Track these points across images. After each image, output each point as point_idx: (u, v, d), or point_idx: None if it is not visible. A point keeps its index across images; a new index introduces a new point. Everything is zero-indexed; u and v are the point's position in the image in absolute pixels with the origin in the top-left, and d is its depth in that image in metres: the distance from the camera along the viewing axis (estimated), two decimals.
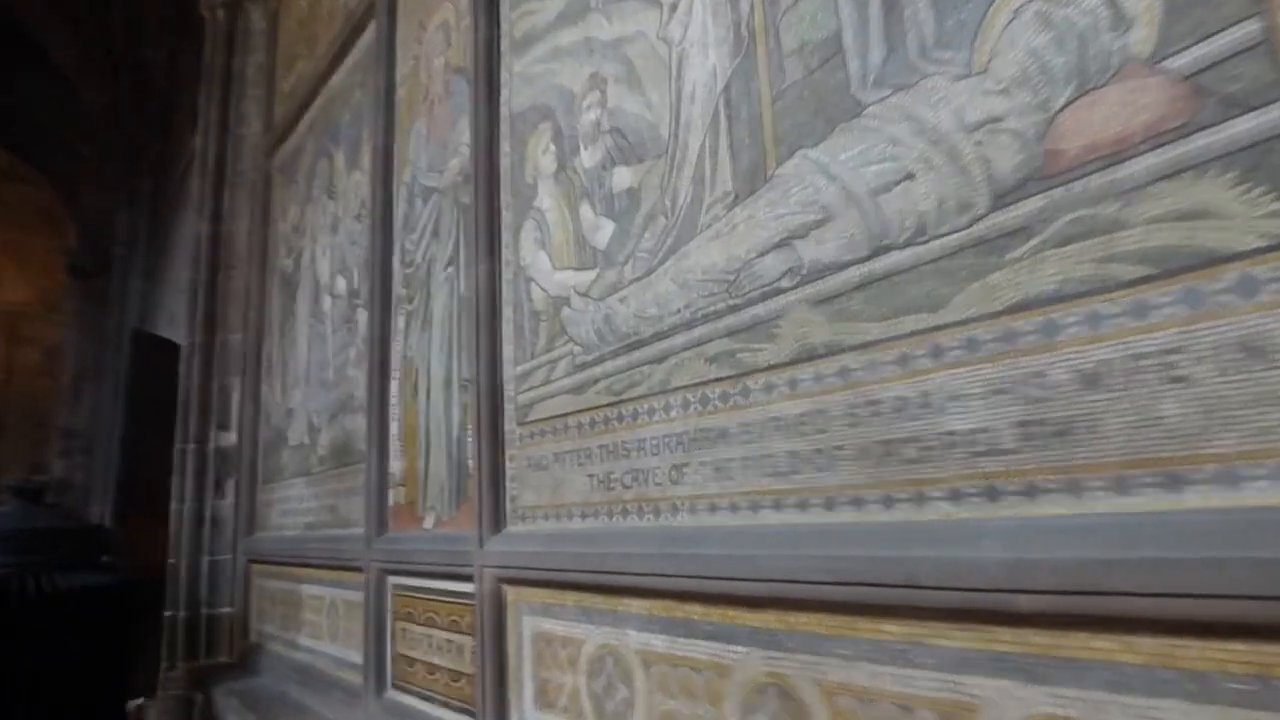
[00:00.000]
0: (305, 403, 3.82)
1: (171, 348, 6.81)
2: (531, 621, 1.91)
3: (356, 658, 2.95)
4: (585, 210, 1.84)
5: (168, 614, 4.35)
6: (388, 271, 2.97)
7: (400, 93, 3.03)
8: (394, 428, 2.83)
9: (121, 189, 9.74)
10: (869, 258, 1.18)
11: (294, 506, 3.83)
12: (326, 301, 3.68)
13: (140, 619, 3.68)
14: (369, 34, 3.41)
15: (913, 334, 1.11)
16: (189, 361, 4.68)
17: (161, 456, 5.90)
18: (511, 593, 1.98)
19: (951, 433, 1.05)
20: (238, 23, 5.11)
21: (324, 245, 3.77)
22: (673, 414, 1.52)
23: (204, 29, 5.28)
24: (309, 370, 3.83)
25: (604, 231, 1.77)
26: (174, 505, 4.53)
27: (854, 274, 1.20)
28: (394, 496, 2.79)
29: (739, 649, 1.33)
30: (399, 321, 2.85)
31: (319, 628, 3.40)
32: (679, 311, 1.53)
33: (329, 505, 3.39)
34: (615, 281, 1.71)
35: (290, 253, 4.30)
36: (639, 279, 1.64)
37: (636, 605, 1.58)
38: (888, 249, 1.16)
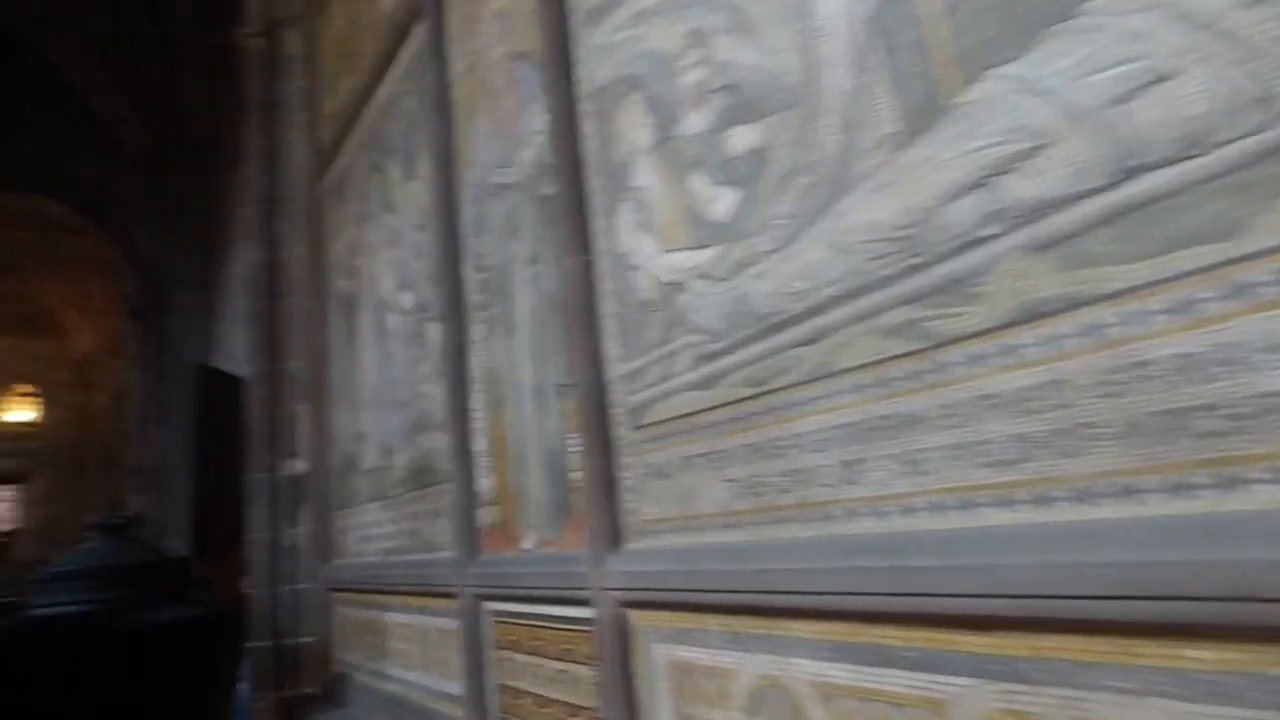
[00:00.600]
0: (376, 425, 3.68)
1: (233, 381, 6.81)
2: (664, 650, 1.70)
3: (453, 688, 2.78)
4: (697, 182, 1.63)
5: (257, 644, 4.27)
6: (459, 279, 2.80)
7: (457, 92, 2.86)
8: (479, 443, 2.65)
9: (171, 231, 9.89)
10: (1112, 185, 0.94)
11: (372, 532, 3.69)
12: (391, 319, 3.54)
13: (227, 650, 3.57)
14: (416, 38, 3.26)
15: (1195, 272, 0.87)
16: (256, 390, 4.61)
17: (232, 487, 5.87)
18: (637, 617, 1.77)
19: (1271, 394, 0.80)
20: (276, 50, 5.04)
21: (384, 262, 3.63)
22: (840, 401, 1.30)
23: (241, 63, 5.24)
24: (377, 391, 3.69)
25: (724, 202, 1.55)
26: (252, 535, 4.45)
27: (1092, 207, 0.96)
28: (484, 517, 2.61)
29: (958, 681, 1.10)
30: (477, 330, 2.68)
31: (409, 657, 3.24)
32: (837, 281, 1.30)
33: (410, 529, 3.24)
34: (746, 256, 1.50)
35: (348, 274, 4.18)
36: (778, 250, 1.42)
37: (805, 629, 1.35)
38: (1141, 170, 0.92)
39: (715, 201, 1.58)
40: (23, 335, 14.89)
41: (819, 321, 1.34)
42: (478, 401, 2.67)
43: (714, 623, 1.55)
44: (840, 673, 1.30)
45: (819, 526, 1.35)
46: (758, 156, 1.48)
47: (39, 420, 15.26)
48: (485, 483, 2.60)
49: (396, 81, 3.45)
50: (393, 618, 3.41)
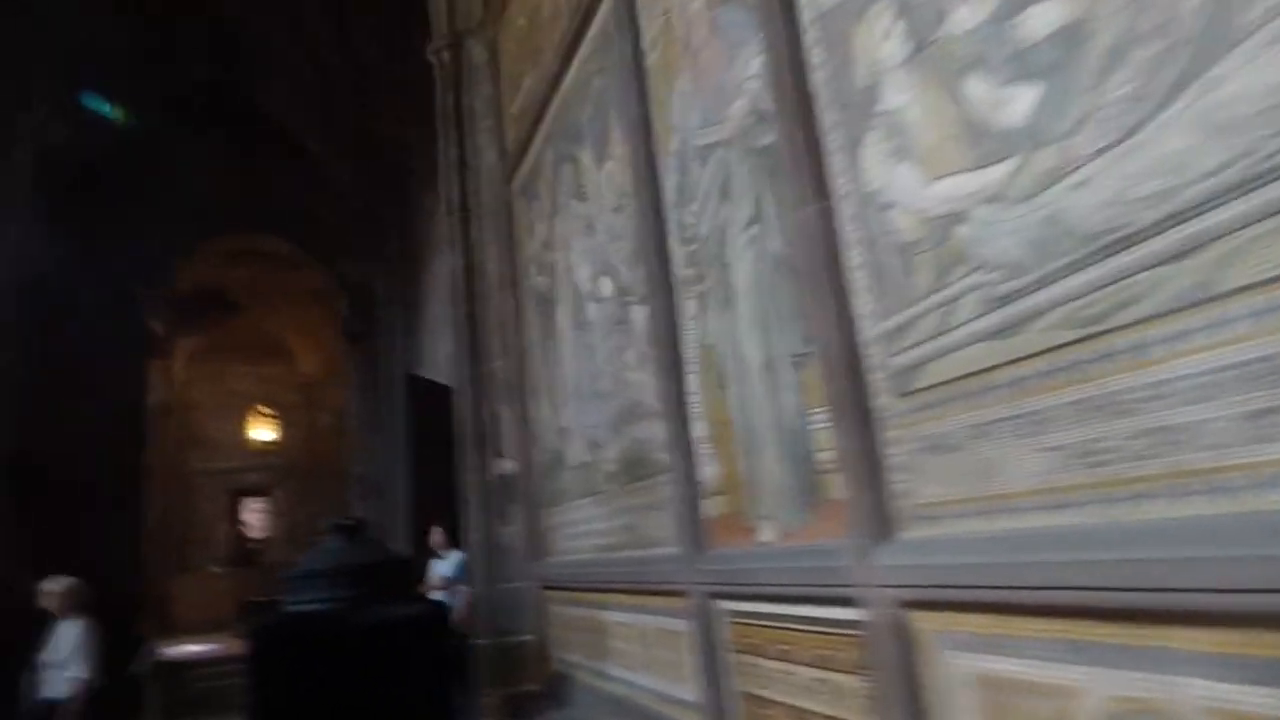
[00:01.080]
0: (578, 419, 3.63)
1: (441, 389, 7.19)
2: (965, 660, 1.40)
3: (683, 693, 2.61)
4: (977, 86, 1.33)
5: (479, 642, 4.38)
6: (664, 255, 2.64)
7: (651, 58, 2.71)
8: (698, 429, 2.47)
9: (375, 256, 10.73)
10: None
11: (583, 529, 3.64)
12: (590, 309, 3.47)
13: (456, 645, 3.66)
14: (600, 15, 3.17)
15: None
16: (462, 394, 4.75)
17: (445, 491, 6.15)
18: (923, 620, 1.49)
19: None
20: (461, 62, 5.20)
21: (580, 252, 3.57)
22: (1230, 333, 0.96)
23: (429, 80, 5.46)
24: (578, 385, 3.64)
25: (1019, 103, 1.24)
26: (471, 535, 4.59)
27: None
28: (709, 508, 2.42)
29: None
30: (688, 308, 2.50)
31: (631, 658, 3.13)
32: (1218, 171, 0.96)
33: (625, 525, 3.13)
34: (1057, 165, 1.18)
35: (542, 270, 4.19)
36: (1111, 146, 1.10)
37: (1190, 638, 1.02)
38: None
39: (1005, 105, 1.27)
40: (259, 363, 16.92)
41: (1190, 229, 1.01)
42: (694, 384, 2.49)
43: (1039, 628, 1.24)
44: (1256, 700, 0.96)
45: (1204, 502, 1.01)
46: (1068, 36, 1.16)
47: (277, 439, 17.23)
48: (709, 471, 2.41)
49: (582, 64, 3.37)
50: (611, 617, 3.32)
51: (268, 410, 16.64)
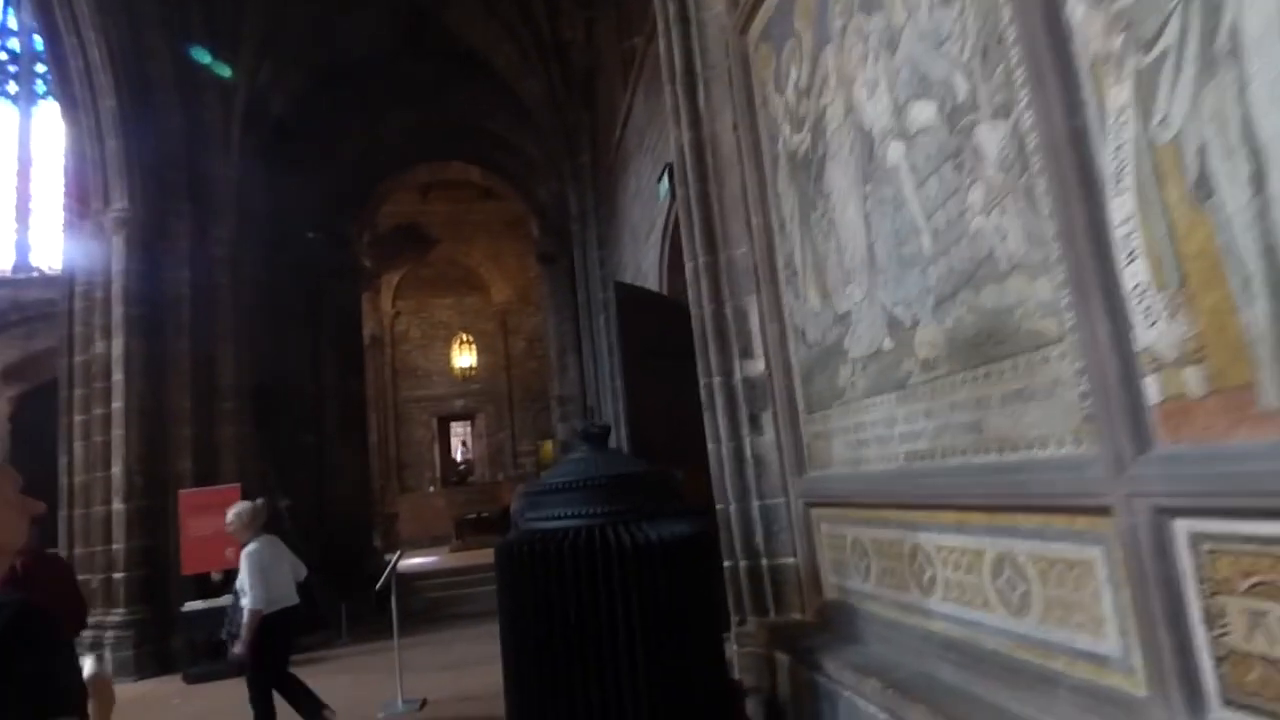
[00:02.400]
0: (872, 298, 2.90)
1: (650, 295, 6.71)
2: None
3: (1089, 643, 1.89)
4: None
5: (727, 564, 3.90)
6: (1057, 27, 1.81)
7: None
8: (1136, 272, 1.66)
9: (565, 172, 10.39)
10: None
11: (875, 434, 2.95)
12: (892, 151, 2.68)
13: (716, 570, 3.16)
14: None
15: None
16: (696, 287, 4.16)
17: (663, 402, 5.67)
18: None
19: None
20: None
21: (871, 81, 2.77)
22: None
23: None
24: (870, 255, 2.89)
25: None
26: (710, 446, 4.06)
27: None
28: (1158, 387, 1.63)
29: None
30: (1114, 96, 1.67)
31: (967, 590, 2.43)
32: None
33: (964, 424, 2.39)
34: None
35: (799, 126, 3.43)
36: None
37: None
38: None
39: None
40: (459, 294, 17.59)
41: None
42: (1128, 207, 1.67)
43: None
44: None
45: None
46: None
47: (476, 365, 17.96)
48: (1163, 331, 1.61)
49: None
50: (927, 539, 2.63)
51: (468, 337, 17.31)
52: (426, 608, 9.58)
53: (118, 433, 7.33)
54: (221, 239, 8.82)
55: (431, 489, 17.72)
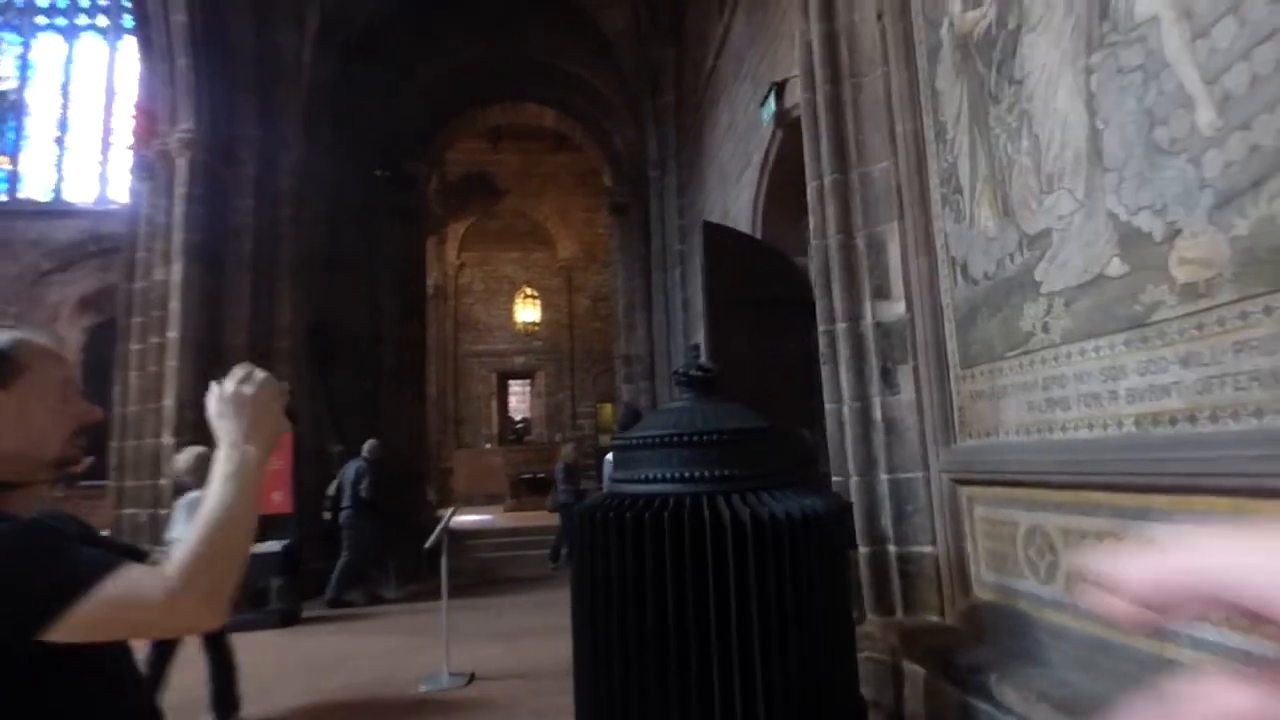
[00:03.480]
0: (1094, 205, 2.14)
1: (745, 240, 6.00)
2: None
3: None
4: None
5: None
6: None
7: None
8: None
9: (645, 114, 9.64)
10: None
11: (1085, 391, 2.21)
12: (1141, 5, 1.92)
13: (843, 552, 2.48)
14: None
15: None
16: (819, 213, 3.43)
17: (749, 355, 4.99)
18: None
19: None
20: None
21: None
22: None
23: None
24: (1096, 147, 2.13)
25: None
26: (829, 406, 3.36)
27: None
28: None
29: None
30: None
31: None
32: None
33: (1263, 372, 1.65)
34: None
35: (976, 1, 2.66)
36: None
37: None
38: None
39: None
40: (525, 248, 17.09)
41: None
42: None
43: None
44: None
45: None
46: None
47: (539, 320, 17.48)
48: None
49: None
50: (1181, 535, 1.90)
51: (532, 292, 16.82)
52: (479, 568, 9.19)
53: (171, 364, 7.03)
54: (288, 169, 8.41)
55: (488, 446, 17.41)
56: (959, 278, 2.86)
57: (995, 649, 2.56)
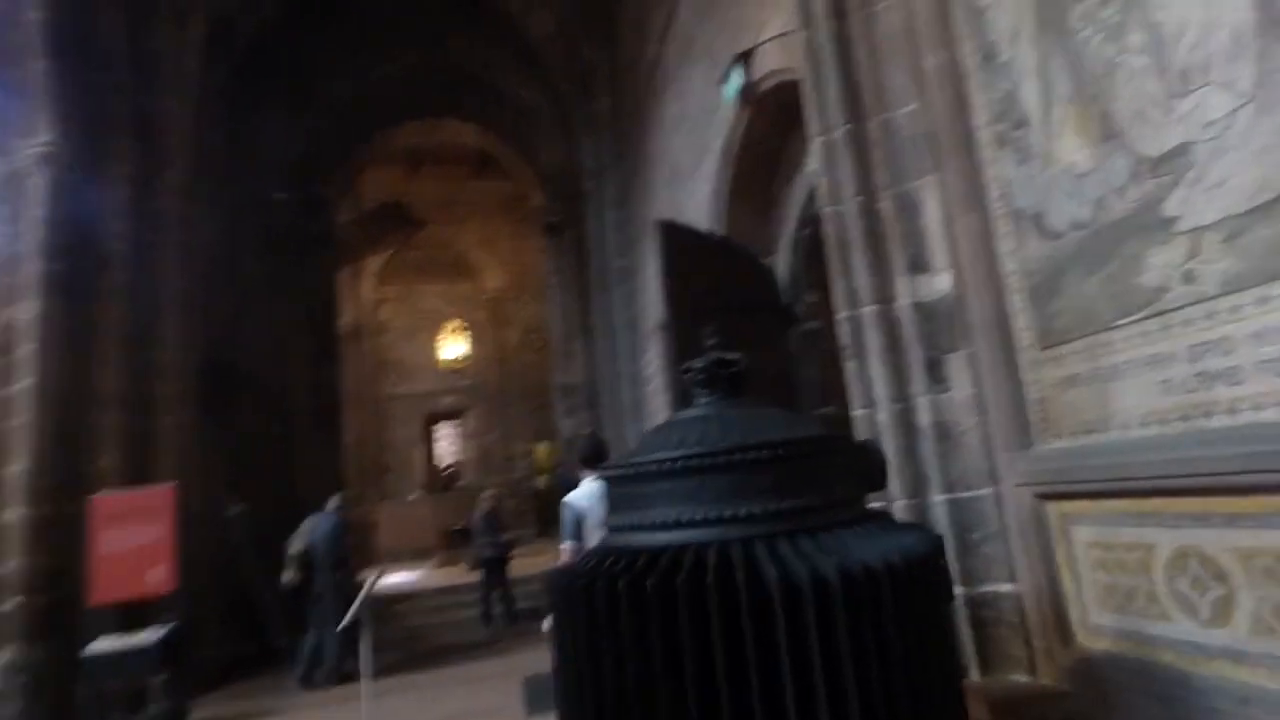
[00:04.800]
0: (1274, 98, 1.54)
1: (703, 237, 5.34)
2: None
3: None
4: None
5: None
6: None
7: None
8: None
9: (578, 123, 8.99)
10: None
11: (1273, 352, 1.58)
12: None
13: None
14: None
15: None
16: (830, 173, 2.78)
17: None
18: None
19: None
20: None
21: None
22: None
23: None
24: (1270, 15, 1.54)
25: None
26: (859, 413, 2.67)
27: None
28: None
29: None
30: None
31: None
32: None
33: None
34: None
35: None
36: None
37: None
38: None
39: None
40: (449, 280, 16.09)
41: None
42: None
43: None
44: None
45: None
46: None
47: (467, 357, 16.41)
48: None
49: None
50: None
51: (459, 323, 15.80)
52: (408, 637, 8.07)
53: (20, 421, 5.82)
54: (172, 187, 7.34)
55: (414, 496, 16.15)
56: (1030, 233, 2.24)
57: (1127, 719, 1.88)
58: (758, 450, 1.61)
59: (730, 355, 1.87)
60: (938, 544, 1.68)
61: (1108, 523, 2.05)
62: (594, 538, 3.52)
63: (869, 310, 2.64)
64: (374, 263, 15.72)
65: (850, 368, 2.70)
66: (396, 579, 10.58)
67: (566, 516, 3.37)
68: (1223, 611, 1.74)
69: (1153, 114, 1.82)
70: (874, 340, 2.61)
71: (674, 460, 1.65)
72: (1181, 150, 1.75)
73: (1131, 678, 1.97)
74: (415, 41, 9.28)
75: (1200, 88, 1.70)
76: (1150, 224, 1.84)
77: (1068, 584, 2.19)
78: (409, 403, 16.41)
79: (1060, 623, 2.20)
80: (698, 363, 1.86)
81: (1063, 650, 2.20)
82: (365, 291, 15.79)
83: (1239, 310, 1.64)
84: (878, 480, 1.84)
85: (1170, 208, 1.79)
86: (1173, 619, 1.87)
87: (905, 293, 2.58)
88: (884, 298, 2.61)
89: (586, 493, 3.39)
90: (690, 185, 5.68)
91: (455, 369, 15.98)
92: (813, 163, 4.26)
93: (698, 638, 1.44)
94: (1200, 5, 1.69)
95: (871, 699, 1.44)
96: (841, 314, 2.74)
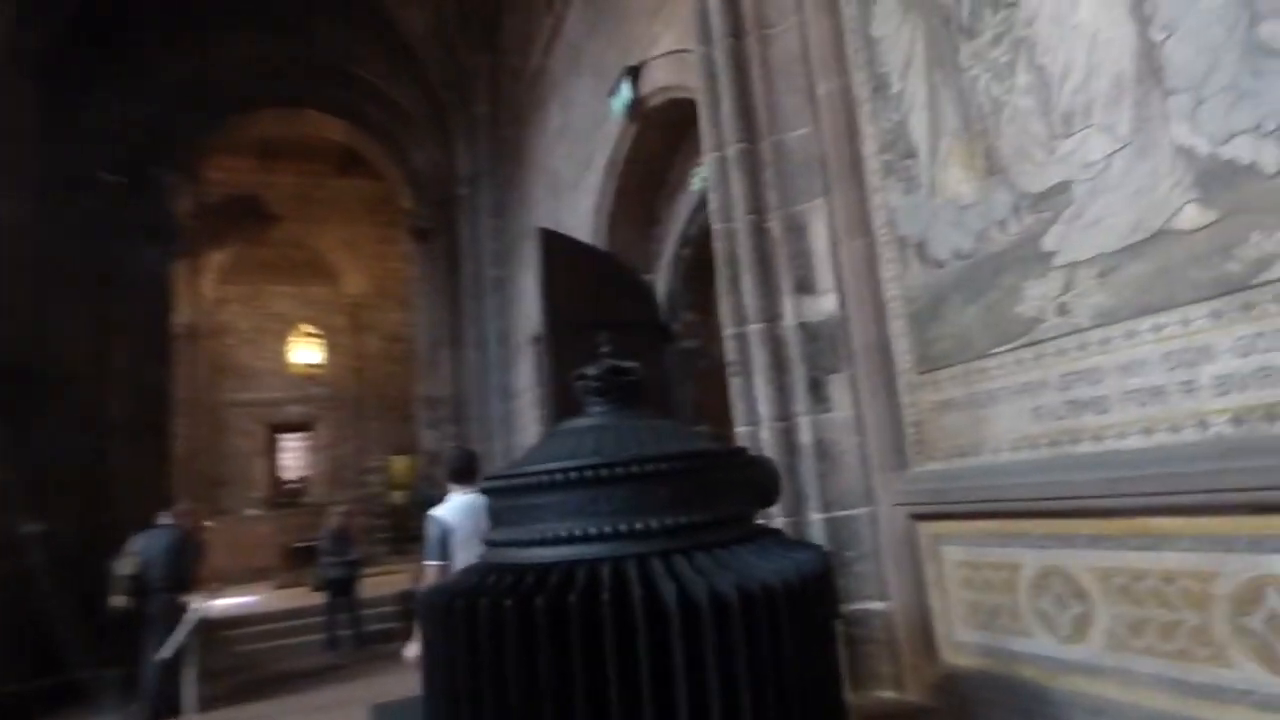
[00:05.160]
0: (1149, 141, 1.65)
1: (585, 248, 5.24)
2: None
3: None
4: None
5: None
6: None
7: None
8: None
9: (455, 127, 8.69)
10: None
11: (1138, 386, 1.68)
12: None
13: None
14: None
15: None
16: (722, 190, 2.78)
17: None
18: None
19: None
20: None
21: None
22: None
23: None
24: (1152, 64, 1.65)
25: None
26: (741, 430, 2.66)
27: None
28: None
29: None
30: None
31: None
32: None
33: None
34: None
35: None
36: None
37: None
38: None
39: None
40: (303, 282, 15.04)
41: None
42: None
43: None
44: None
45: None
46: None
47: (321, 365, 15.39)
48: None
49: None
50: None
51: (312, 330, 14.79)
52: (241, 666, 7.33)
53: None
54: None
55: (250, 512, 14.89)
56: (913, 260, 2.31)
57: None
58: (658, 463, 1.52)
59: (626, 364, 1.78)
60: (828, 562, 1.66)
61: (977, 543, 2.12)
62: (460, 556, 3.32)
63: (755, 328, 2.63)
64: (218, 258, 14.48)
65: (735, 384, 2.68)
66: (230, 601, 9.63)
67: (432, 532, 3.15)
68: (1081, 628, 1.82)
69: (1036, 152, 1.92)
70: (759, 358, 2.61)
71: (568, 471, 1.53)
72: (1062, 188, 1.85)
73: (994, 692, 2.03)
74: (274, 25, 8.66)
75: (1082, 130, 1.80)
76: (1029, 257, 1.93)
77: (936, 602, 2.25)
78: (252, 411, 15.15)
79: (927, 640, 2.25)
80: (591, 370, 1.75)
81: (929, 667, 2.25)
82: (206, 289, 14.49)
83: (1109, 343, 1.74)
84: (771, 496, 1.80)
85: (1049, 243, 1.88)
86: (1034, 635, 1.94)
87: (791, 312, 2.60)
88: (770, 316, 2.62)
89: (455, 507, 3.20)
90: (572, 197, 5.59)
91: (308, 376, 14.92)
92: (697, 181, 4.31)
93: (590, 659, 1.32)
94: (1084, 50, 1.80)
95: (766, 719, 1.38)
96: (729, 331, 2.72)
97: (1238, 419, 1.49)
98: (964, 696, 2.12)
